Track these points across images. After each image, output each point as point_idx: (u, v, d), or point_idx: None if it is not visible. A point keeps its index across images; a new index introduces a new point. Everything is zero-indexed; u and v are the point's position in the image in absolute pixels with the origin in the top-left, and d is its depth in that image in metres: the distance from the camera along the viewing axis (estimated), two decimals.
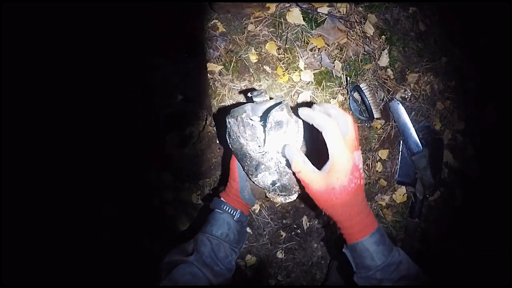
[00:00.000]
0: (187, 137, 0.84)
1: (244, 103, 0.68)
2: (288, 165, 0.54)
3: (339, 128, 0.49)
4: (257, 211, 0.95)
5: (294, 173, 0.53)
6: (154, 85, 0.72)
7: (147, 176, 0.87)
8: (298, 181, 0.53)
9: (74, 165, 0.75)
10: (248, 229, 0.94)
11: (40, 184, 0.69)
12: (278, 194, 0.62)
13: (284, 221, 0.97)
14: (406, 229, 0.95)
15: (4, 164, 0.61)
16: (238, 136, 0.57)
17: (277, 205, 0.95)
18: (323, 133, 0.49)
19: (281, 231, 0.96)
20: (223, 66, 0.88)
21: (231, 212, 0.66)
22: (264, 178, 0.58)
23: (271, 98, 0.62)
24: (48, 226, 0.70)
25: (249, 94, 0.61)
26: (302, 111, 0.51)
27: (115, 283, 0.73)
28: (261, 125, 0.57)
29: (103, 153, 0.78)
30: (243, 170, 0.61)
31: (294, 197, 0.62)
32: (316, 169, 0.51)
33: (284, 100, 0.57)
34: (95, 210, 0.79)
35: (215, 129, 0.88)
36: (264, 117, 0.57)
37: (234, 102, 0.90)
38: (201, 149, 0.84)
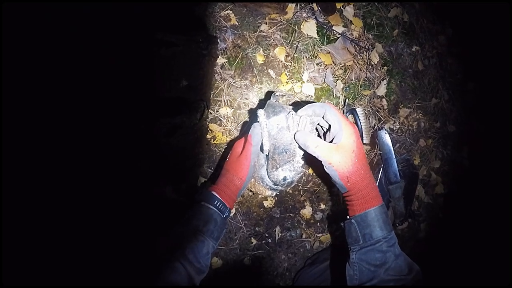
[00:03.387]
0: (176, 127, 0.79)
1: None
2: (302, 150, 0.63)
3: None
4: (231, 215, 0.93)
5: (310, 158, 0.61)
6: (158, 63, 0.65)
7: (123, 161, 0.79)
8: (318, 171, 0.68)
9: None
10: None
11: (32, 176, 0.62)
12: (274, 188, 0.70)
13: (257, 228, 0.95)
14: None
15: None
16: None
17: (262, 197, 0.93)
18: (325, 114, 0.59)
19: (252, 238, 0.95)
20: (227, 60, 0.84)
21: (222, 209, 0.64)
22: (280, 173, 0.65)
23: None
24: (40, 219, 0.62)
25: (277, 93, 0.69)
26: (301, 111, 0.61)
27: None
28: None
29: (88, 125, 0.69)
30: (269, 163, 0.66)
31: (277, 192, 0.77)
32: (330, 143, 0.58)
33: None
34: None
35: (207, 124, 0.84)
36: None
37: (230, 99, 0.86)
38: (191, 142, 0.79)
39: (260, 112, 0.62)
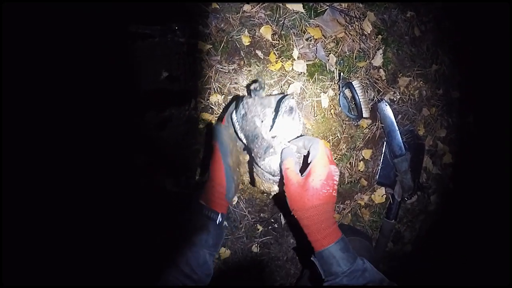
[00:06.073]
0: (166, 119, 0.77)
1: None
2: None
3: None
4: (234, 203, 0.91)
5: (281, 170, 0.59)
6: (136, 57, 0.64)
7: (118, 156, 0.78)
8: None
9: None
10: (224, 222, 0.90)
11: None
12: (277, 182, 0.64)
13: (261, 214, 0.94)
14: (381, 229, 0.96)
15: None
16: (254, 116, 0.59)
17: (264, 193, 0.91)
18: (311, 147, 0.58)
19: (258, 224, 0.93)
20: (211, 46, 0.81)
21: (213, 217, 0.63)
22: (271, 162, 0.60)
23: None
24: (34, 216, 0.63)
25: (252, 87, 0.64)
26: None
27: None
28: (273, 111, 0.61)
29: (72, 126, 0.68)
30: (251, 154, 0.63)
31: None
32: (299, 173, 0.59)
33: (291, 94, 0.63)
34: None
35: (198, 114, 0.82)
36: (277, 104, 0.61)
37: (220, 86, 0.84)
38: (182, 133, 0.77)
39: (245, 98, 0.62)
